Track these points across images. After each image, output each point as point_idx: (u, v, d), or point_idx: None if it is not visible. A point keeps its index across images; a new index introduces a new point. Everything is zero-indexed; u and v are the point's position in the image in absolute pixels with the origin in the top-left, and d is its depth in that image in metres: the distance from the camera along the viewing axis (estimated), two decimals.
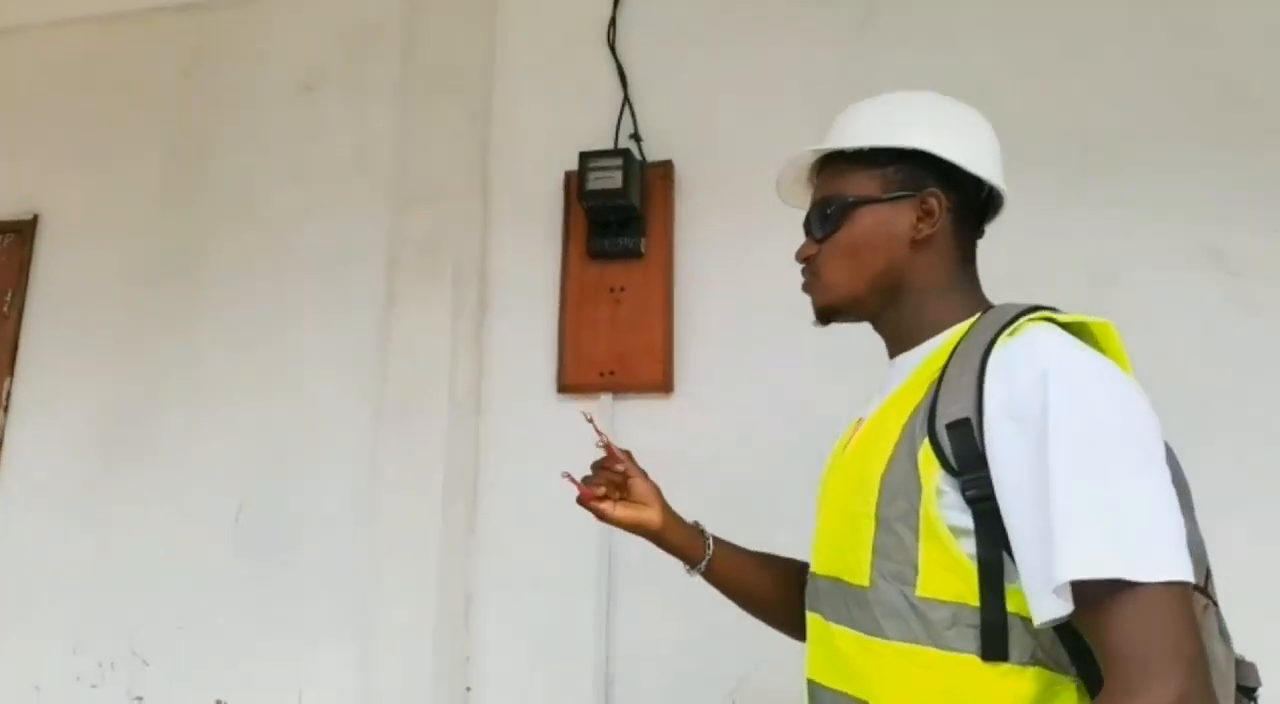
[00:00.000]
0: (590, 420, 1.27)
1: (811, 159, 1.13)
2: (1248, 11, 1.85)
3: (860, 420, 1.09)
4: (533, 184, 2.20)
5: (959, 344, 0.96)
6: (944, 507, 0.88)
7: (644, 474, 1.25)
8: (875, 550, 0.93)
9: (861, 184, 1.05)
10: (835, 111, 1.69)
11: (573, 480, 1.21)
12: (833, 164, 1.09)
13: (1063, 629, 0.85)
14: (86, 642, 2.25)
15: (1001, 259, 1.74)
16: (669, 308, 2.04)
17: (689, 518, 1.27)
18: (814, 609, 1.06)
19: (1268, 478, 1.68)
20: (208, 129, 2.49)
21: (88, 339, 2.43)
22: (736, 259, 2.04)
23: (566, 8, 2.27)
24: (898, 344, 1.08)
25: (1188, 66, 1.86)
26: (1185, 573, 0.79)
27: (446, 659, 1.99)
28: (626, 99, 2.17)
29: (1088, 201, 1.85)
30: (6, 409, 2.46)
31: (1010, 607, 0.85)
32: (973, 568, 0.87)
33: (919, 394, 0.96)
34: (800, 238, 1.13)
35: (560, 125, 2.20)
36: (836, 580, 1.00)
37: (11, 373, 2.47)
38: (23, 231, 2.54)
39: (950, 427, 0.89)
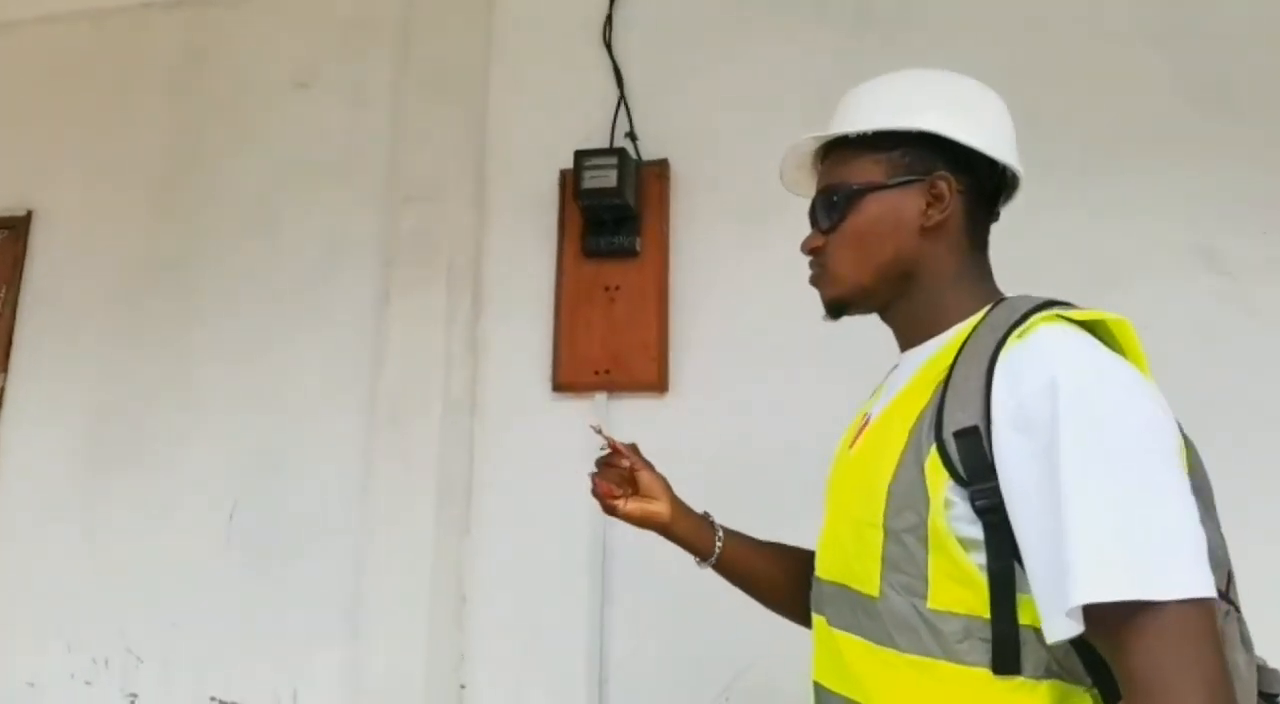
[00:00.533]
0: (599, 431, 1.27)
1: (815, 146, 1.08)
2: (1246, 14, 1.85)
3: (866, 416, 1.05)
4: (528, 182, 2.20)
5: (966, 342, 0.91)
6: (953, 518, 0.85)
7: (650, 467, 1.24)
8: (884, 561, 0.90)
9: (867, 170, 1.01)
10: (830, 110, 1.70)
11: (611, 443, 1.23)
12: (837, 150, 1.05)
13: (1077, 640, 0.81)
14: (80, 639, 2.25)
15: (997, 259, 1.77)
16: (664, 307, 2.04)
17: (698, 509, 1.25)
18: (818, 611, 1.04)
19: (1266, 478, 1.68)
20: (202, 126, 2.48)
21: (81, 337, 2.43)
22: (732, 258, 2.04)
23: (563, 6, 2.26)
24: (907, 338, 1.04)
25: (1186, 68, 1.86)
26: (1206, 588, 0.75)
27: (441, 658, 1.99)
28: (622, 98, 2.17)
29: (1084, 203, 1.86)
30: (0, 406, 2.45)
31: (1022, 619, 0.83)
32: (983, 580, 0.84)
33: (925, 397, 0.92)
34: (799, 233, 1.09)
35: (556, 124, 2.20)
36: (843, 587, 0.97)
37: (5, 370, 2.46)
38: (16, 228, 2.54)
39: (958, 435, 0.85)
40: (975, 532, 0.84)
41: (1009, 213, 1.86)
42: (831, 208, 1.02)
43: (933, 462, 0.86)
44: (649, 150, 2.13)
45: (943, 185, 0.98)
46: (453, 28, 2.28)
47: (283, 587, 2.15)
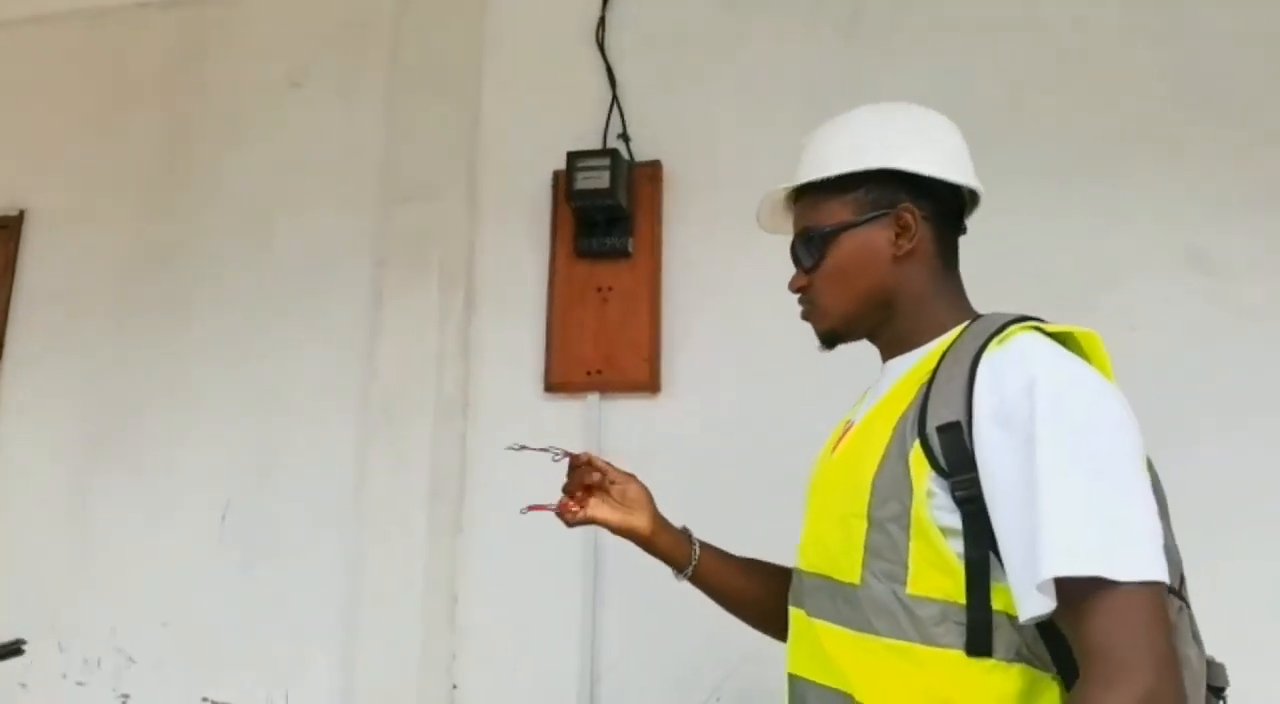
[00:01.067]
0: (523, 448, 1.30)
1: (784, 193, 1.15)
2: (1234, 17, 1.86)
3: (849, 423, 1.11)
4: (521, 183, 2.21)
5: (948, 350, 0.99)
6: (934, 508, 0.91)
7: (634, 479, 1.27)
8: (867, 550, 0.95)
9: (836, 211, 1.08)
10: (822, 111, 1.70)
11: (570, 456, 1.27)
12: (807, 194, 1.11)
13: (1046, 629, 0.88)
14: (73, 639, 2.25)
15: (990, 260, 1.78)
16: (656, 307, 2.04)
17: (677, 522, 1.28)
18: (796, 605, 1.08)
19: (1255, 477, 1.69)
20: (196, 126, 2.48)
21: (74, 336, 2.43)
22: (725, 259, 2.05)
23: (556, 7, 2.27)
24: (890, 351, 1.10)
25: (1174, 70, 1.87)
26: (1162, 574, 0.82)
27: (432, 657, 1.99)
28: (615, 99, 2.18)
29: (1074, 204, 1.86)
30: None
31: (996, 605, 0.88)
32: (960, 567, 0.89)
33: (909, 398, 0.98)
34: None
35: (549, 125, 2.21)
36: (824, 578, 1.02)
37: None
38: (9, 227, 2.54)
39: (941, 429, 0.91)
40: (954, 521, 0.90)
41: (1001, 216, 1.87)
42: (810, 250, 1.09)
43: (916, 454, 0.92)
44: (642, 151, 2.14)
45: (908, 216, 1.05)
46: (446, 28, 2.29)
47: (275, 587, 2.15)
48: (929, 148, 1.07)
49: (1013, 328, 0.95)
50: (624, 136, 2.15)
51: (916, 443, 0.93)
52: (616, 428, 2.02)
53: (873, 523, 0.95)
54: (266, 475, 2.21)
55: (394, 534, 2.03)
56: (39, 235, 2.53)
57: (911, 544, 0.92)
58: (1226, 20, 1.86)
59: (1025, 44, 1.96)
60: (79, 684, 2.22)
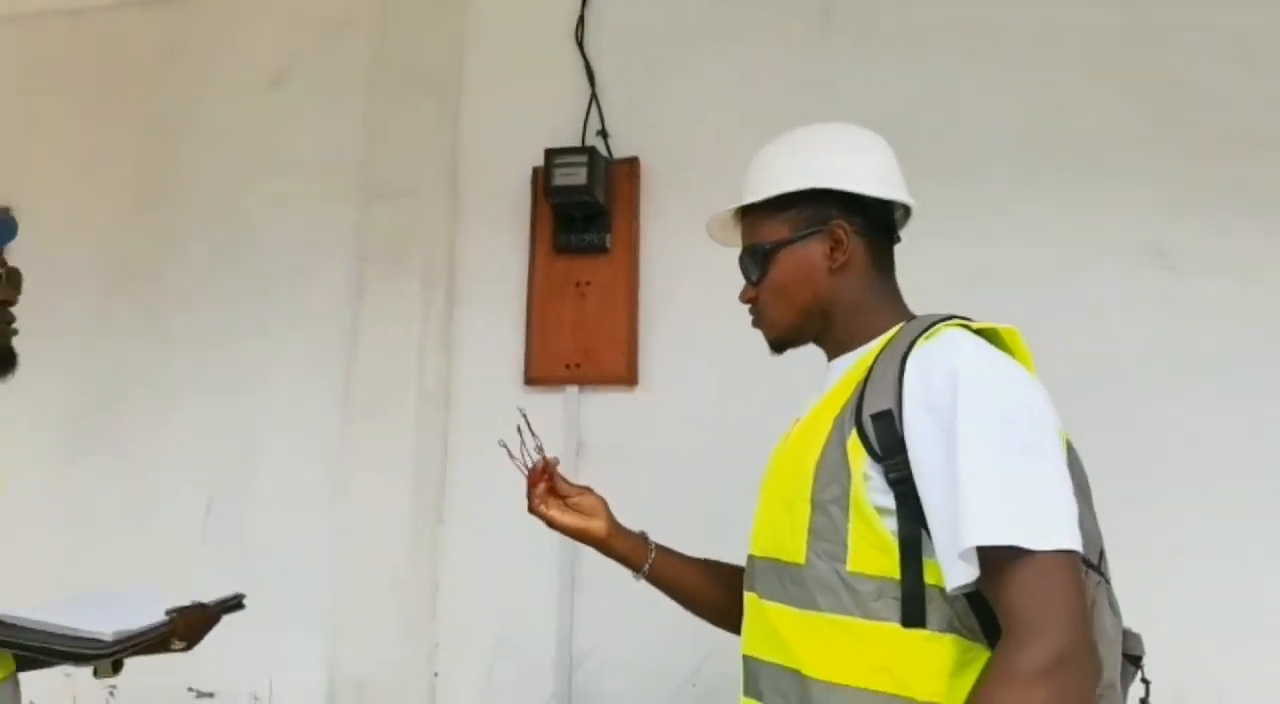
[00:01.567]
0: (509, 452, 1.38)
1: (728, 213, 1.25)
2: (1200, 18, 1.90)
3: (798, 420, 1.19)
4: (501, 180, 2.24)
5: (884, 349, 1.06)
6: (870, 489, 0.98)
7: (589, 490, 1.35)
8: (811, 531, 1.02)
9: (775, 229, 1.16)
10: (797, 106, 1.73)
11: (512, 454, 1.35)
12: (751, 213, 1.20)
13: (976, 602, 0.93)
14: None
15: (955, 254, 1.83)
16: (634, 301, 2.08)
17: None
18: (750, 589, 1.13)
19: (1212, 465, 1.74)
20: (178, 123, 2.50)
21: (58, 332, 2.44)
22: (700, 253, 2.06)
23: (536, 6, 2.30)
24: (834, 352, 1.18)
25: (1140, 70, 1.91)
26: (1074, 543, 0.90)
27: (414, 646, 2.03)
28: (594, 96, 2.21)
29: (1039, 200, 1.90)
30: None
31: (928, 579, 0.95)
32: (895, 544, 0.96)
33: (848, 392, 1.06)
34: None
35: (529, 122, 2.23)
36: (774, 560, 1.08)
37: None
38: None
39: (875, 417, 0.99)
40: (889, 501, 0.97)
41: (964, 211, 1.91)
42: (754, 265, 1.18)
43: (853, 441, 1.00)
44: (620, 148, 2.17)
45: (839, 231, 1.13)
46: (428, 26, 2.32)
47: (259, 577, 2.16)
48: (859, 167, 1.14)
49: (940, 325, 1.03)
50: (603, 134, 2.18)
51: (854, 431, 1.00)
52: (595, 420, 2.06)
53: (815, 506, 1.02)
54: (251, 468, 2.24)
55: (377, 525, 2.06)
56: (22, 231, 2.54)
57: (851, 524, 0.99)
58: (1191, 22, 1.90)
59: (994, 44, 1.99)
60: (65, 675, 2.23)
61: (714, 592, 1.30)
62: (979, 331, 1.03)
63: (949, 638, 0.94)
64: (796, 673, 1.01)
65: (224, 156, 2.44)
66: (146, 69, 2.56)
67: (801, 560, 1.02)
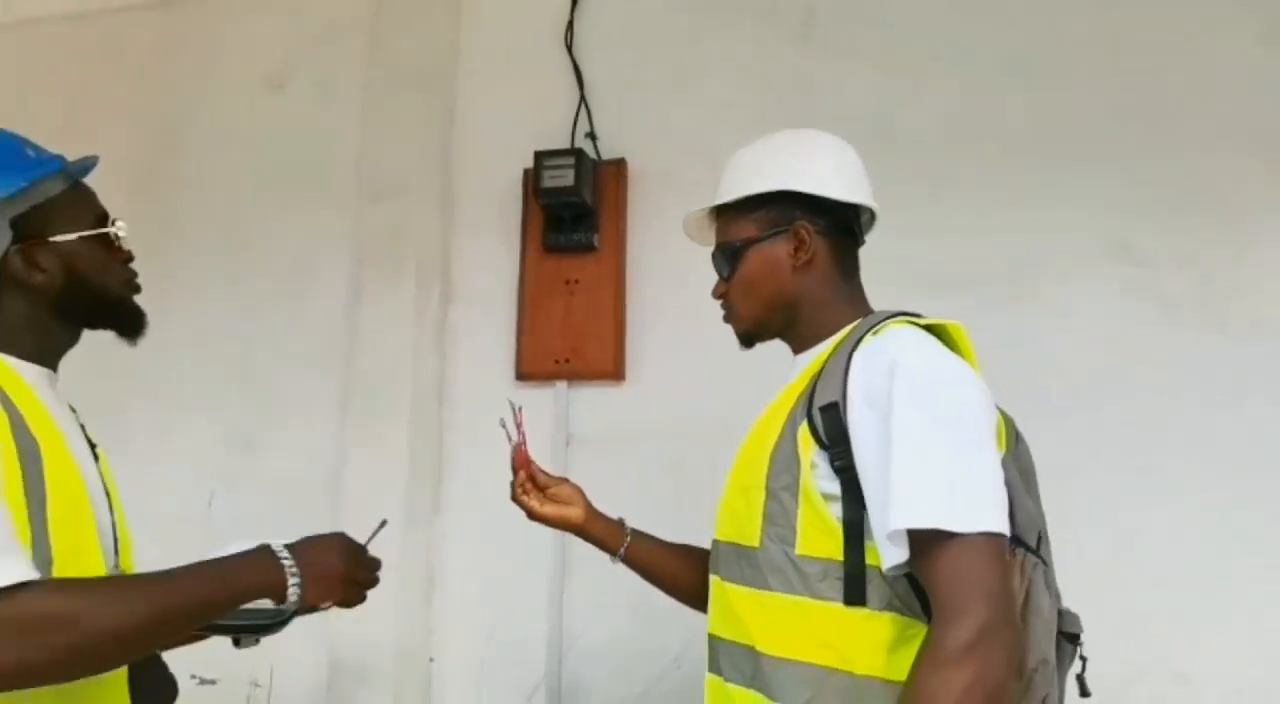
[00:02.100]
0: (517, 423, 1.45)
1: (703, 213, 1.31)
2: (1161, 18, 1.96)
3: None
4: (493, 181, 2.30)
5: (839, 345, 1.13)
6: (817, 477, 1.05)
7: (565, 480, 1.43)
8: (765, 517, 1.09)
9: (744, 229, 1.23)
10: (779, 109, 1.79)
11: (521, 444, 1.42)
12: (724, 213, 1.27)
13: (918, 582, 1.00)
14: None
15: (926, 246, 1.89)
16: (620, 299, 2.15)
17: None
18: (714, 572, 1.20)
19: (1174, 456, 1.81)
20: (177, 124, 2.56)
21: None
22: (685, 251, 2.13)
23: (526, 11, 2.36)
24: (798, 347, 1.25)
25: (1107, 69, 1.97)
26: (997, 526, 0.96)
27: (410, 632, 2.10)
28: (583, 99, 2.27)
29: (1007, 196, 1.96)
30: None
31: (869, 561, 1.02)
32: (839, 528, 1.03)
33: (803, 386, 1.13)
34: None
35: (520, 124, 2.29)
36: (734, 544, 1.15)
37: None
38: None
39: (823, 409, 1.06)
40: (834, 487, 1.04)
41: (934, 207, 1.97)
42: (725, 262, 1.25)
43: (803, 431, 1.07)
44: (608, 149, 2.24)
45: (803, 231, 1.19)
46: (422, 31, 2.37)
47: None
48: (822, 172, 1.21)
49: (888, 322, 1.10)
50: (591, 136, 2.24)
51: (804, 422, 1.07)
52: (583, 413, 2.13)
53: (769, 493, 1.09)
54: (250, 464, 2.30)
55: (374, 517, 2.12)
56: None
57: (799, 510, 1.06)
58: (1154, 21, 1.96)
59: (968, 43, 2.05)
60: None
61: (687, 574, 1.37)
62: (927, 327, 1.10)
63: (888, 616, 1.01)
64: (751, 649, 1.08)
65: (222, 159, 2.50)
66: (146, 71, 2.62)
67: (757, 543, 1.09)
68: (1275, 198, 1.85)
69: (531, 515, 1.40)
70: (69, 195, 1.22)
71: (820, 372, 1.11)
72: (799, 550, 1.05)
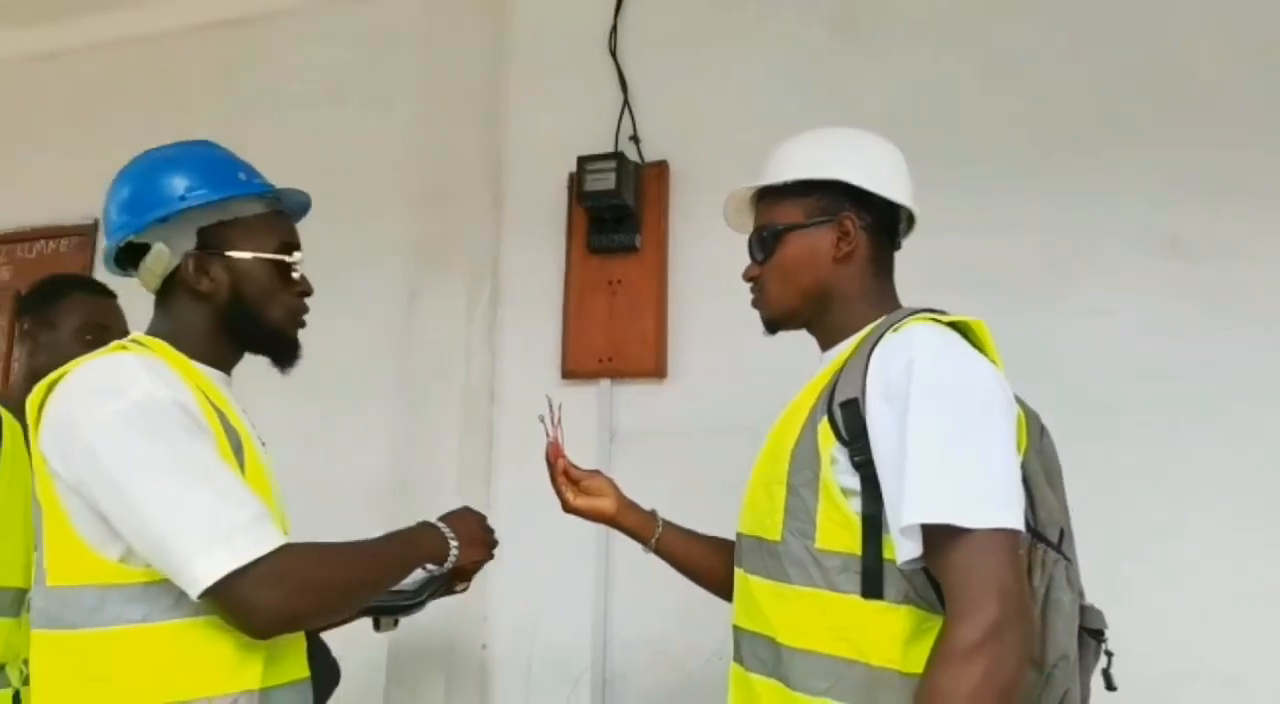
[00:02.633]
0: (553, 421, 1.48)
1: (749, 193, 1.30)
2: (1208, 11, 1.93)
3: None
4: (540, 185, 2.37)
5: (862, 341, 1.14)
6: (837, 472, 1.07)
7: (597, 473, 1.47)
8: (786, 511, 1.11)
9: (789, 213, 1.22)
10: (819, 111, 1.82)
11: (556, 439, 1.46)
12: (768, 196, 1.26)
13: (930, 573, 1.01)
14: None
15: (966, 244, 1.89)
16: (662, 298, 2.20)
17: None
18: (739, 565, 1.24)
19: (1225, 456, 1.78)
20: (242, 136, 2.67)
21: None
22: (726, 252, 2.16)
23: (571, 17, 2.42)
24: (825, 342, 1.25)
25: (1149, 62, 1.94)
26: (1011, 522, 0.97)
27: (465, 621, 2.18)
28: (626, 103, 2.32)
29: (1049, 190, 1.96)
30: None
31: (887, 555, 1.03)
32: (858, 523, 1.05)
33: (825, 382, 1.15)
34: None
35: (566, 129, 2.36)
36: (757, 538, 1.18)
37: None
38: (85, 235, 2.79)
39: (843, 405, 1.07)
40: (854, 483, 1.06)
41: (978, 204, 1.97)
42: (764, 244, 1.24)
43: (824, 427, 1.09)
44: (651, 151, 2.28)
45: (848, 222, 1.20)
46: (469, 44, 2.45)
47: None
48: (874, 169, 1.21)
49: (910, 318, 1.10)
50: (634, 138, 2.29)
51: (825, 418, 1.09)
52: (626, 411, 2.18)
53: (790, 488, 1.11)
54: (310, 458, 2.40)
55: (429, 509, 2.21)
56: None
57: (819, 504, 1.07)
58: (1196, 9, 1.93)
59: (1005, 40, 2.05)
60: None
61: (717, 566, 1.39)
62: (950, 324, 1.10)
63: (905, 609, 1.02)
64: (771, 640, 1.11)
65: (285, 167, 2.60)
66: (214, 86, 2.76)
67: (778, 538, 1.11)
68: None
69: (566, 507, 1.44)
70: (263, 218, 1.29)
71: (842, 368, 1.12)
72: (819, 544, 1.07)
